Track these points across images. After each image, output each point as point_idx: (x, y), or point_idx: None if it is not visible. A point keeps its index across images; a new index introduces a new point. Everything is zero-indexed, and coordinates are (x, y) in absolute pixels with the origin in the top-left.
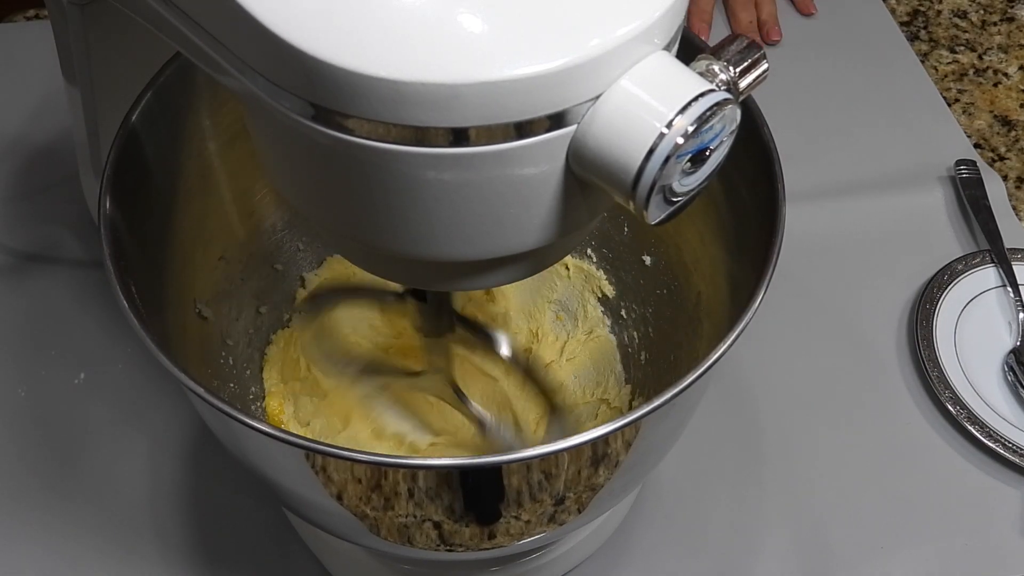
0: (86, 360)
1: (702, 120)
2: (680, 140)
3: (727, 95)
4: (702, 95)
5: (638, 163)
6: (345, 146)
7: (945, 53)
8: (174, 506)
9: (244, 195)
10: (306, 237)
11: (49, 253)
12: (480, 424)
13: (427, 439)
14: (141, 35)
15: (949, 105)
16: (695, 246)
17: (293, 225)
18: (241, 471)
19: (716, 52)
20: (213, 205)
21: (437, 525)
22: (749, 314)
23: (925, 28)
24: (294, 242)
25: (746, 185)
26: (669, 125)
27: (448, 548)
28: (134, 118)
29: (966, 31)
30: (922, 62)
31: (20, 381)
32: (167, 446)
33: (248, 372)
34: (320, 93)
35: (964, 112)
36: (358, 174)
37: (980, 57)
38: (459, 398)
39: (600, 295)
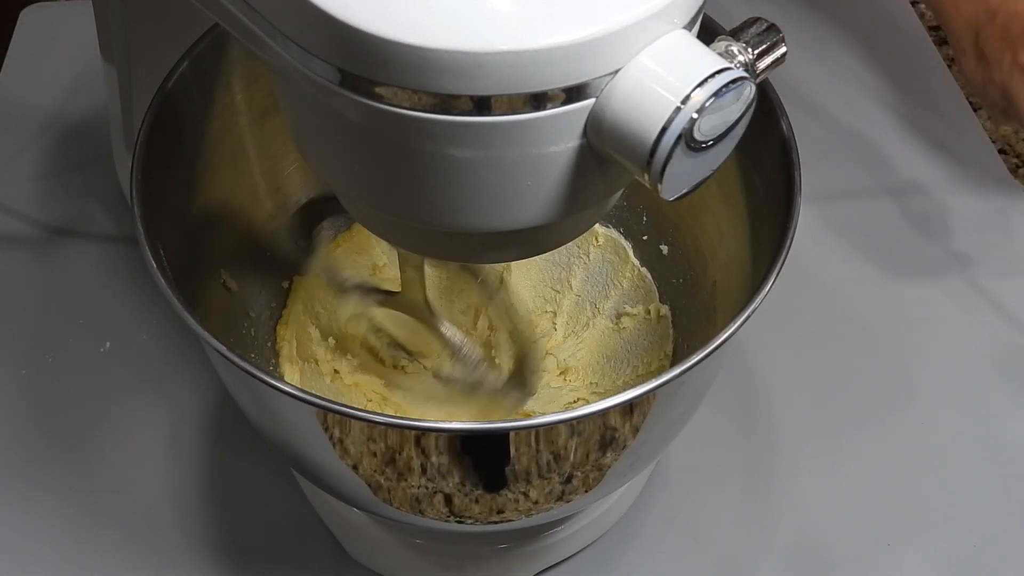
0: (111, 330)
1: (718, 97)
2: (695, 115)
3: (744, 74)
4: (719, 72)
5: (654, 136)
6: (371, 112)
7: None
8: (193, 474)
9: (272, 171)
10: (330, 216)
11: (80, 228)
12: (453, 348)
13: (403, 359)
14: (178, 15)
15: (975, 111)
16: (712, 236)
17: (318, 203)
18: (259, 444)
19: (735, 34)
20: (241, 179)
21: (447, 497)
22: (761, 296)
23: None
24: (318, 220)
25: (764, 175)
26: (685, 100)
27: (458, 520)
28: (170, 85)
29: None
30: (949, 67)
31: (47, 348)
32: (188, 415)
33: (268, 344)
34: (349, 59)
35: (990, 118)
36: (383, 141)
37: None
38: (432, 317)
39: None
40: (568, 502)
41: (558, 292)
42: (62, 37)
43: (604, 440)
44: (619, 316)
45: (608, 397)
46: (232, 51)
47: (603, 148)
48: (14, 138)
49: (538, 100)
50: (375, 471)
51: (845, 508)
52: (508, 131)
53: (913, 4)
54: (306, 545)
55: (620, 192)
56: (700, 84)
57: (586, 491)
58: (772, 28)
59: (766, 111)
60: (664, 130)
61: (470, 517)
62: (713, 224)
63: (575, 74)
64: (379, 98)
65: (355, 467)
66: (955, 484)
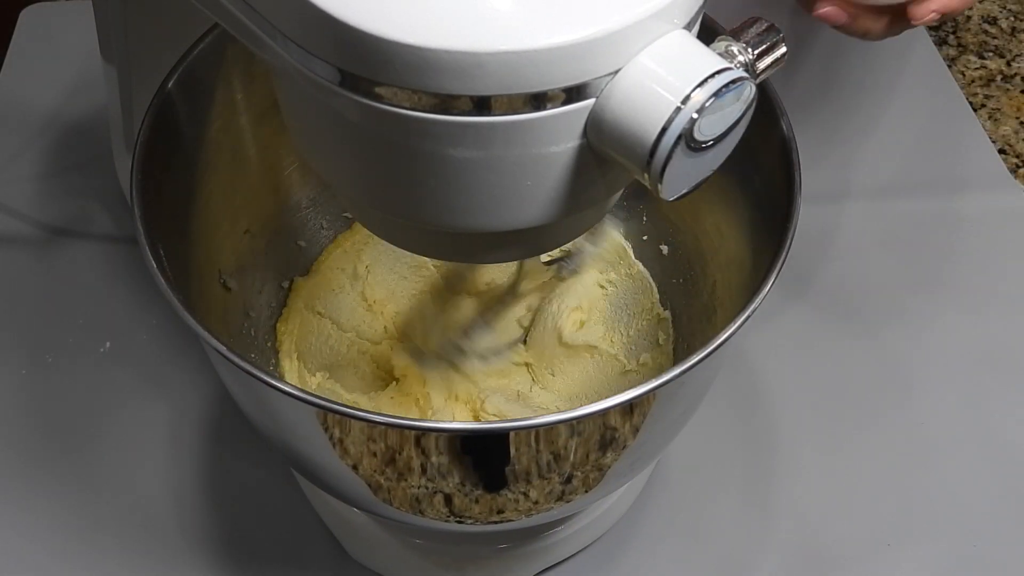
0: (111, 330)
1: (718, 97)
2: (695, 115)
3: (744, 74)
4: (719, 72)
5: (653, 136)
6: (371, 112)
7: (973, 59)
8: (193, 474)
9: (272, 171)
10: (329, 216)
11: (80, 228)
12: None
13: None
14: (177, 15)
15: (975, 111)
16: (712, 236)
17: (318, 203)
18: (259, 444)
19: (735, 34)
20: (241, 179)
21: (447, 497)
22: (761, 296)
23: (954, 33)
24: (318, 220)
25: (764, 175)
26: (685, 100)
27: (458, 520)
28: (170, 85)
29: (995, 37)
30: (949, 67)
31: (48, 348)
32: (188, 415)
33: (268, 344)
34: (349, 59)
35: (990, 118)
36: (382, 141)
37: (1008, 64)
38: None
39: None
40: (568, 502)
41: None
42: (62, 37)
43: (604, 440)
44: None
45: (608, 397)
46: (232, 51)
47: (603, 148)
48: (14, 138)
49: (538, 100)
50: (375, 471)
51: (845, 508)
52: (508, 131)
53: None
54: (306, 545)
55: (620, 192)
56: (700, 84)
57: (586, 491)
58: (772, 28)
59: (766, 111)
60: (664, 130)
61: (470, 517)
62: (713, 224)
63: (575, 74)
64: (379, 98)
65: (355, 467)
66: (955, 484)
